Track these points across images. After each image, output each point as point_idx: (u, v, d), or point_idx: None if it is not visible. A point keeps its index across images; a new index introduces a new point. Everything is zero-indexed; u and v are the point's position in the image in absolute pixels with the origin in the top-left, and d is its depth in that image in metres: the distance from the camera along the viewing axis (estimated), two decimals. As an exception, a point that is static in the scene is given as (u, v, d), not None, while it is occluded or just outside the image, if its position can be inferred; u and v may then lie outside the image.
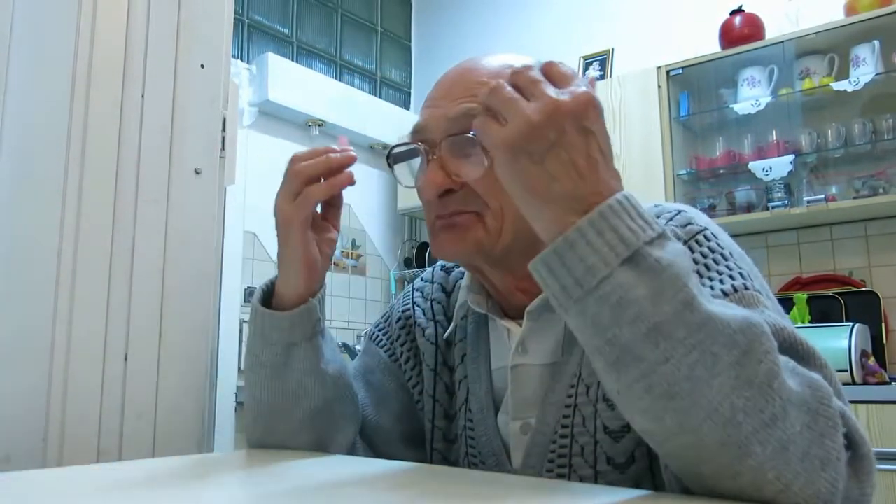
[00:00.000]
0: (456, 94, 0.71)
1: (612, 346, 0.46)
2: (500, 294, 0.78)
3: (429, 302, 0.89)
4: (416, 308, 0.89)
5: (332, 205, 0.79)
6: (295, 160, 0.72)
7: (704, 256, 0.65)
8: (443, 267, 0.92)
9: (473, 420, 0.79)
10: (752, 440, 0.44)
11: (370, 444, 0.86)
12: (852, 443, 0.50)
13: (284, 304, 0.76)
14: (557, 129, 0.49)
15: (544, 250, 0.49)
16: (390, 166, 0.78)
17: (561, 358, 0.72)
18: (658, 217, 0.71)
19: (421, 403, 0.86)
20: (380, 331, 0.92)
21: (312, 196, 0.72)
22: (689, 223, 0.68)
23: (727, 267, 0.63)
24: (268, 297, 0.77)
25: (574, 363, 0.71)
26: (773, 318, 0.57)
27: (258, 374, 0.78)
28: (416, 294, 0.92)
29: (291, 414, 0.77)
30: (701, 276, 0.63)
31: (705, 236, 0.66)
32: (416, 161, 0.76)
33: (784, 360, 0.49)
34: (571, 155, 0.49)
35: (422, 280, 0.94)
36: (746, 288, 0.61)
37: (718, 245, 0.66)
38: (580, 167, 0.49)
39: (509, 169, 0.51)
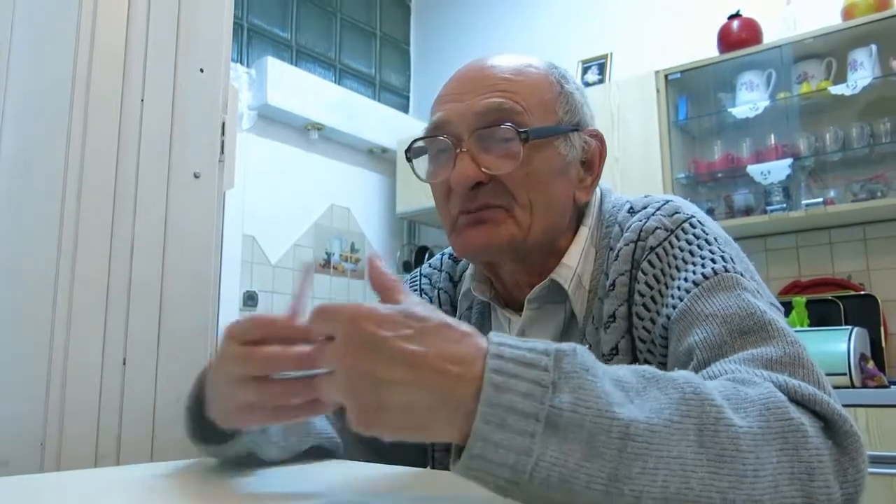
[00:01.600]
0: (480, 89, 0.72)
1: None
2: (505, 287, 0.79)
3: (436, 290, 0.90)
4: (423, 296, 0.90)
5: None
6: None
7: (689, 243, 0.68)
8: (451, 255, 0.91)
9: None
10: (748, 501, 0.42)
11: (369, 448, 0.86)
12: (830, 424, 0.48)
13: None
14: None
15: (456, 465, 0.41)
16: (409, 160, 0.77)
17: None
18: (646, 207, 0.74)
19: None
20: None
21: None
22: (677, 212, 0.71)
23: (710, 251, 0.67)
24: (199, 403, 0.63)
25: None
26: (747, 299, 0.61)
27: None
28: (424, 280, 0.91)
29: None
30: (685, 262, 0.67)
31: (691, 224, 0.70)
32: (424, 158, 0.77)
33: (725, 387, 0.47)
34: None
35: (430, 266, 0.93)
36: (727, 270, 0.64)
37: (704, 231, 0.70)
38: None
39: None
